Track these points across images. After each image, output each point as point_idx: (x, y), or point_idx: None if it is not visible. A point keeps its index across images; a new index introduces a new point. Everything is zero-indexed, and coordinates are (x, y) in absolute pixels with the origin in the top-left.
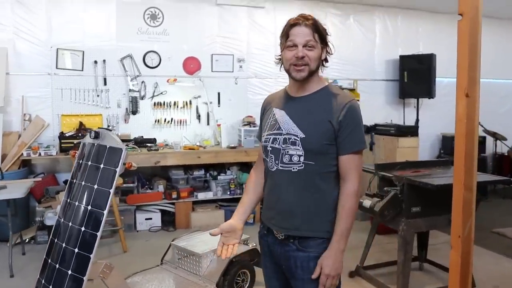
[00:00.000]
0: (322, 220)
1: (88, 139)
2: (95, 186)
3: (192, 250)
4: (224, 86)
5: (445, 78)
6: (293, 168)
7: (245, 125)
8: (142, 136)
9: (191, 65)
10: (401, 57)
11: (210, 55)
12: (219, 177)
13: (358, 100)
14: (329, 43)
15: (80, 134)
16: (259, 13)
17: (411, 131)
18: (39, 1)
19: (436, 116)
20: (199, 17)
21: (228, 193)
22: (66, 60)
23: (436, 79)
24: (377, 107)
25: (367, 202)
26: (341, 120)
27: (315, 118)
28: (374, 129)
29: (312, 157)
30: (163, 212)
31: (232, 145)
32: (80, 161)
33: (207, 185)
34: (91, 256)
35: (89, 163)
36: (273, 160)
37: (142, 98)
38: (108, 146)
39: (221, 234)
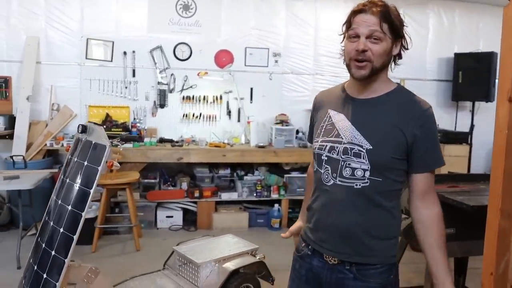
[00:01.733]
0: (388, 244)
1: (76, 134)
2: (77, 185)
3: (191, 258)
4: (257, 81)
5: None
6: (356, 184)
7: (277, 123)
8: (130, 133)
9: (223, 59)
10: (456, 55)
11: (244, 48)
12: (245, 177)
13: None
14: (406, 36)
15: (105, 126)
16: (298, 4)
17: (461, 138)
18: None
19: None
20: (233, 8)
21: (254, 194)
22: (96, 51)
23: (496, 80)
24: None
25: None
26: (417, 131)
27: (384, 127)
28: None
29: (380, 173)
30: (186, 211)
31: (261, 144)
32: (70, 157)
33: (233, 185)
34: (66, 260)
35: (75, 159)
36: (329, 172)
37: (170, 91)
38: (93, 142)
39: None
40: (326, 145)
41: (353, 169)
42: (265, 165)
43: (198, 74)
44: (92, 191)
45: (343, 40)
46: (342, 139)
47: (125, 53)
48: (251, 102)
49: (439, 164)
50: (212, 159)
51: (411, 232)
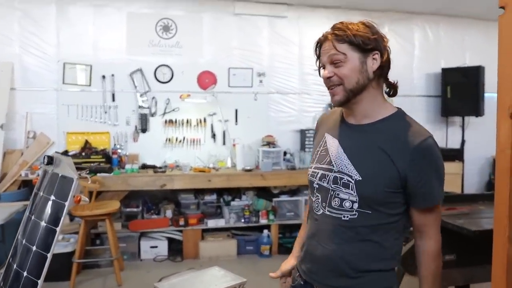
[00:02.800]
0: (379, 276)
1: (43, 165)
2: (43, 223)
3: None
4: (242, 102)
5: (496, 93)
6: (344, 216)
7: (264, 145)
8: (99, 164)
9: (206, 80)
10: (444, 70)
11: (227, 68)
12: (232, 202)
13: None
14: (384, 46)
15: (83, 153)
16: (281, 23)
17: (453, 154)
18: (47, 14)
19: (486, 137)
20: (215, 28)
21: (242, 220)
22: (73, 75)
23: (485, 94)
24: None
25: None
26: (408, 166)
27: (375, 157)
28: None
29: (369, 206)
30: (171, 240)
31: (248, 168)
32: (36, 191)
33: (220, 211)
34: None
35: (41, 193)
36: (319, 201)
37: (152, 115)
38: (60, 175)
39: (281, 278)
40: (318, 172)
41: (342, 199)
42: (253, 189)
43: (180, 97)
44: (58, 229)
45: (319, 73)
46: (333, 167)
47: (104, 76)
48: (236, 124)
49: (432, 202)
50: (197, 184)
51: (408, 261)
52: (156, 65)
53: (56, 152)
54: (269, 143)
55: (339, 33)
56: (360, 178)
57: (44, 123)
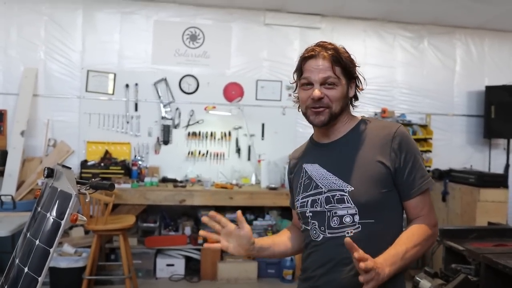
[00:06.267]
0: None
1: (43, 178)
2: (37, 242)
3: None
4: (269, 116)
5: None
6: (347, 233)
7: None
8: (101, 179)
9: (233, 92)
10: (488, 88)
11: (255, 81)
12: (255, 222)
13: (430, 139)
14: (359, 76)
15: (102, 164)
16: (314, 34)
17: (497, 180)
18: (74, 20)
19: None
20: (244, 39)
21: None
22: (97, 83)
23: None
24: (454, 148)
25: (425, 284)
26: (394, 156)
27: (360, 162)
28: (448, 176)
29: (370, 214)
30: (188, 259)
31: (273, 186)
32: (35, 206)
33: None
34: None
35: (39, 209)
36: (316, 227)
37: (175, 127)
38: (59, 189)
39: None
40: (307, 200)
41: (341, 216)
42: (277, 209)
43: (205, 109)
44: (52, 250)
45: (296, 88)
46: (322, 188)
47: (127, 85)
48: (262, 139)
49: (428, 184)
50: (218, 201)
51: None
52: (182, 75)
53: (58, 164)
54: None
55: (336, 55)
56: (352, 188)
57: (65, 131)
